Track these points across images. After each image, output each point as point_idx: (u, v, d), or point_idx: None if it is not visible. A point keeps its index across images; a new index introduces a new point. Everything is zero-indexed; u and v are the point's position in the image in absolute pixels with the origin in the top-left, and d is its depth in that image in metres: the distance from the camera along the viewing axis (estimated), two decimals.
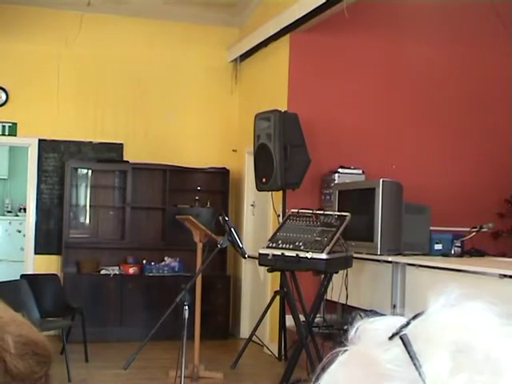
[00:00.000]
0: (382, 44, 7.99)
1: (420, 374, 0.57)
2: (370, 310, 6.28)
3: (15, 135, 8.73)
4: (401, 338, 0.60)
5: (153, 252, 8.71)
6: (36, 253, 8.72)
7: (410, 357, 0.58)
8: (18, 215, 10.91)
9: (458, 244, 6.34)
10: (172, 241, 8.66)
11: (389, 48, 8.02)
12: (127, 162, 8.83)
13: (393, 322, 0.64)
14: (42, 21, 8.74)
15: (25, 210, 9.57)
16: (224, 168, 8.97)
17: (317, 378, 0.65)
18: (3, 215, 10.99)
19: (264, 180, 7.16)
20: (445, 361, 0.58)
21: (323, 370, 0.65)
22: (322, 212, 6.07)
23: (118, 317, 8.29)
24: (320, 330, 6.60)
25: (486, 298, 0.64)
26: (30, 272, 8.39)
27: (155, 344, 6.75)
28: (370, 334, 0.64)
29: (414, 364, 0.58)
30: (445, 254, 6.28)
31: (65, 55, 8.77)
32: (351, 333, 0.65)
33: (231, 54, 9.20)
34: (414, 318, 0.63)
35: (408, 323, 0.62)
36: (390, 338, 0.61)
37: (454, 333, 0.59)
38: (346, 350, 0.64)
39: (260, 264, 6.03)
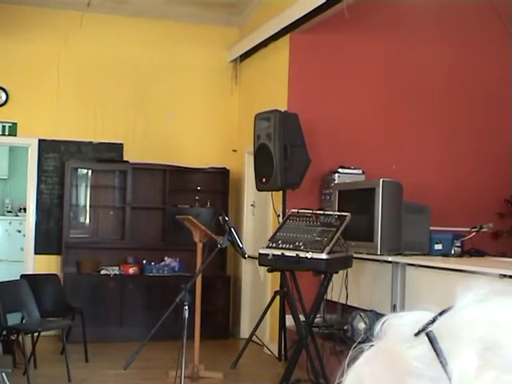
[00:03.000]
0: (382, 44, 7.99)
1: (446, 371, 0.57)
2: (370, 310, 6.29)
3: (15, 135, 8.74)
4: (427, 334, 0.59)
5: (153, 252, 8.71)
6: (36, 253, 8.72)
7: (436, 354, 0.58)
8: (18, 215, 10.90)
9: (458, 244, 6.34)
10: (172, 241, 8.66)
11: (389, 48, 8.01)
12: (127, 162, 8.83)
13: (419, 318, 0.62)
14: (42, 21, 8.74)
15: (25, 210, 9.57)
16: (224, 168, 8.97)
17: (342, 375, 0.64)
18: (3, 215, 10.99)
19: (264, 180, 7.16)
20: (472, 358, 0.56)
21: (348, 365, 0.64)
22: (322, 212, 6.07)
23: (118, 317, 8.29)
24: (320, 330, 6.60)
25: None
26: (30, 272, 8.39)
27: (155, 344, 6.74)
28: (396, 330, 0.62)
29: (440, 362, 0.57)
30: (445, 254, 6.28)
31: (65, 55, 8.77)
32: (377, 327, 0.64)
33: (231, 54, 9.20)
34: (441, 313, 0.61)
35: (434, 319, 0.61)
36: (416, 334, 0.60)
37: (482, 329, 0.58)
38: (371, 346, 0.63)
39: (260, 264, 6.03)
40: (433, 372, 0.57)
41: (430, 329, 0.59)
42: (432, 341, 0.58)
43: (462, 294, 0.62)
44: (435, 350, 0.58)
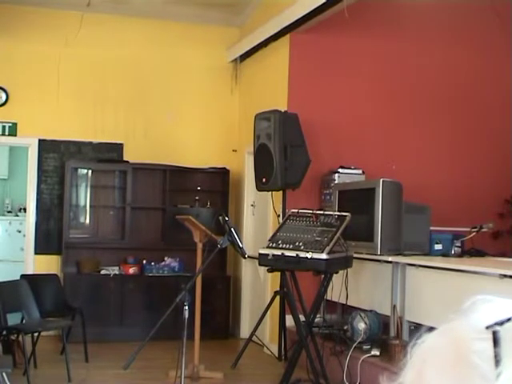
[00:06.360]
0: (382, 44, 7.99)
1: (497, 374, 0.57)
2: (370, 310, 6.29)
3: (15, 135, 8.73)
4: (493, 333, 0.59)
5: (153, 252, 8.71)
6: (36, 253, 8.72)
7: (494, 355, 0.58)
8: (18, 215, 10.90)
9: (458, 244, 6.34)
10: (172, 241, 8.65)
11: (389, 48, 8.01)
12: (127, 162, 8.83)
13: (507, 309, 0.62)
14: (42, 21, 8.74)
15: (25, 210, 9.57)
16: (224, 168, 8.97)
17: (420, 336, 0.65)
18: (3, 215, 10.98)
19: (264, 180, 7.16)
20: None
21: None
22: (322, 212, 6.07)
23: (118, 317, 8.28)
24: (320, 330, 6.60)
25: None
26: (30, 272, 8.39)
27: (155, 344, 6.75)
28: (476, 315, 0.63)
29: (495, 362, 0.57)
30: (445, 254, 6.28)
31: (65, 55, 8.77)
32: (466, 304, 0.64)
33: (231, 54, 9.20)
34: None
35: (509, 319, 0.61)
36: (487, 327, 0.60)
37: None
38: (454, 318, 0.64)
39: (260, 264, 6.03)
40: (485, 370, 0.58)
41: (498, 328, 0.59)
42: (495, 340, 0.59)
43: None
44: (495, 351, 0.58)
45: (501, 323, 0.60)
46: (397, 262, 6.06)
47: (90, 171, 8.82)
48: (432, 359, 0.62)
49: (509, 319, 0.61)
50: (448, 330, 0.63)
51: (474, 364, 0.58)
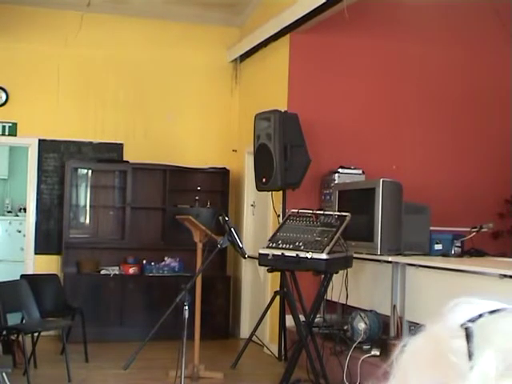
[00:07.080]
0: (382, 44, 7.99)
1: (469, 367, 0.58)
2: (370, 310, 6.29)
3: (15, 135, 8.74)
4: (465, 329, 0.60)
5: (153, 252, 8.71)
6: (36, 253, 8.72)
7: (468, 351, 0.58)
8: (18, 215, 10.90)
9: (458, 244, 6.34)
10: (172, 241, 8.65)
11: (389, 48, 8.01)
12: (127, 162, 8.83)
13: (484, 309, 0.63)
14: (42, 21, 8.74)
15: (25, 210, 9.57)
16: (224, 168, 8.97)
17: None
18: (3, 215, 10.98)
19: (264, 180, 7.16)
20: (495, 364, 0.57)
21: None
22: (322, 212, 6.07)
23: (118, 317, 8.29)
24: (320, 330, 6.60)
25: None
26: (30, 272, 8.39)
27: (155, 344, 6.75)
28: (455, 315, 0.63)
29: (469, 359, 0.58)
30: (445, 254, 6.28)
31: (65, 55, 8.77)
32: (448, 305, 0.65)
33: (231, 54, 9.20)
34: (492, 312, 0.62)
35: (480, 316, 0.61)
36: (461, 325, 0.61)
37: None
38: (437, 323, 0.65)
39: (260, 264, 6.03)
40: (460, 366, 0.58)
41: (470, 324, 0.60)
42: (468, 337, 0.59)
43: None
44: (468, 347, 0.59)
45: (473, 320, 0.61)
46: (397, 262, 6.06)
47: (90, 171, 8.82)
48: (414, 361, 0.63)
49: (480, 315, 0.61)
50: (429, 331, 0.64)
51: (450, 362, 0.59)
